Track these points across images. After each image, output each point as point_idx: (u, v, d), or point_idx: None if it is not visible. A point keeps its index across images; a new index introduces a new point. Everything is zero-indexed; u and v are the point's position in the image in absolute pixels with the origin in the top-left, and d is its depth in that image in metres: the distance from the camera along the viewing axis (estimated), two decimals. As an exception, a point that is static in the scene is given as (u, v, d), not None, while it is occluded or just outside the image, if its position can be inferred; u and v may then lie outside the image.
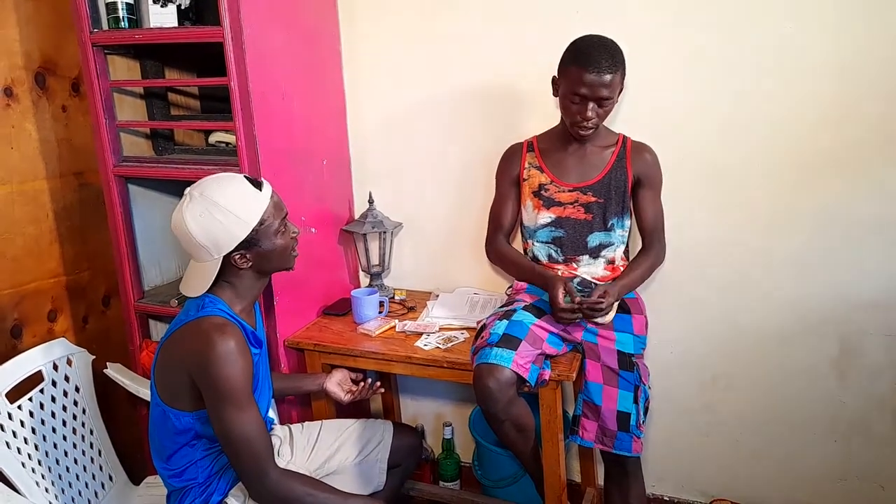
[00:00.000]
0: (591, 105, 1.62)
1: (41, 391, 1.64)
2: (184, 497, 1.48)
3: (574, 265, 1.80)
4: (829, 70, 1.73)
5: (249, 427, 1.34)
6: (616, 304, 1.78)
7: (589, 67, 1.58)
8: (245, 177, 1.42)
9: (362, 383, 1.80)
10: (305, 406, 1.99)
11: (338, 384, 1.80)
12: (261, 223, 1.39)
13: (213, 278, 1.40)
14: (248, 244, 1.39)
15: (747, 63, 1.79)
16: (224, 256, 1.39)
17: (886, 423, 1.90)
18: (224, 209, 1.35)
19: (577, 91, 1.61)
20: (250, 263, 1.42)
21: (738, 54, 1.79)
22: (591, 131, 1.68)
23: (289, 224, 1.49)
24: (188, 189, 1.40)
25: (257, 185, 1.41)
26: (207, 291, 1.43)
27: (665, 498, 2.21)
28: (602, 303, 1.62)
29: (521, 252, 1.91)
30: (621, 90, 1.67)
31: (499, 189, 1.91)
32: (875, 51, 1.69)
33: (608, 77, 1.58)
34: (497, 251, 1.91)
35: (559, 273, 1.78)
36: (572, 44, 1.65)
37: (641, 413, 1.69)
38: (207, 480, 1.49)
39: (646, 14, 1.84)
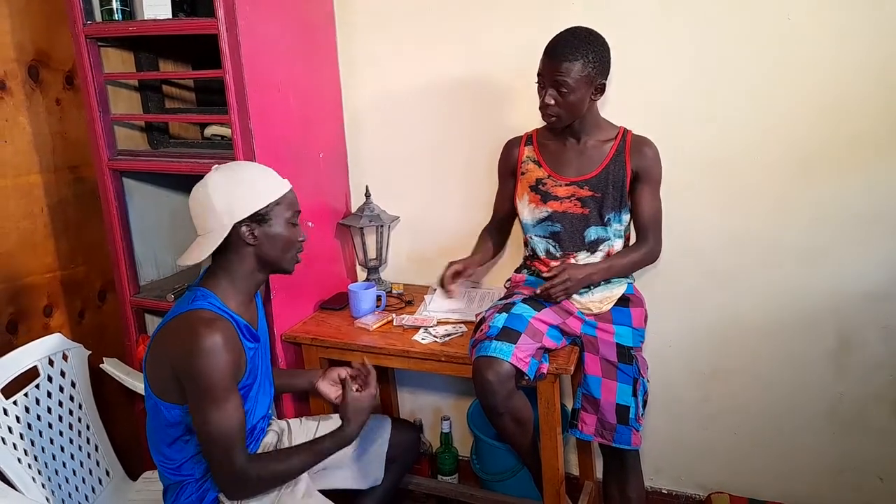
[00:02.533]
0: (549, 91, 1.64)
1: (37, 387, 1.63)
2: (180, 492, 1.48)
3: (572, 261, 1.79)
4: (829, 64, 1.72)
5: (225, 423, 1.33)
6: (614, 296, 1.78)
7: (547, 51, 1.64)
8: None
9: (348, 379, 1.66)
10: (303, 401, 1.98)
11: (330, 384, 1.70)
12: (277, 203, 1.43)
13: (215, 247, 1.39)
14: (260, 219, 1.41)
15: (746, 56, 1.78)
16: (231, 232, 1.39)
17: (884, 415, 1.90)
18: (247, 180, 1.41)
19: (539, 73, 1.66)
20: (256, 241, 1.42)
21: (737, 47, 1.78)
22: (553, 119, 1.68)
23: (299, 225, 1.51)
24: (215, 166, 1.46)
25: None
26: (201, 285, 1.43)
27: (663, 491, 2.21)
28: (555, 281, 1.65)
29: (502, 240, 1.97)
30: (596, 86, 1.65)
31: (499, 181, 1.93)
32: (876, 45, 1.68)
33: (561, 63, 1.59)
34: (480, 236, 1.97)
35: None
36: None
37: (640, 406, 1.68)
38: (204, 476, 1.48)
39: (644, 5, 1.83)
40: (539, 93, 1.67)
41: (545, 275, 1.70)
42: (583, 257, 1.78)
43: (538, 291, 1.69)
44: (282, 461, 1.44)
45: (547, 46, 1.64)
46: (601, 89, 1.67)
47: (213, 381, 1.31)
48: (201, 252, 1.40)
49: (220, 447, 1.34)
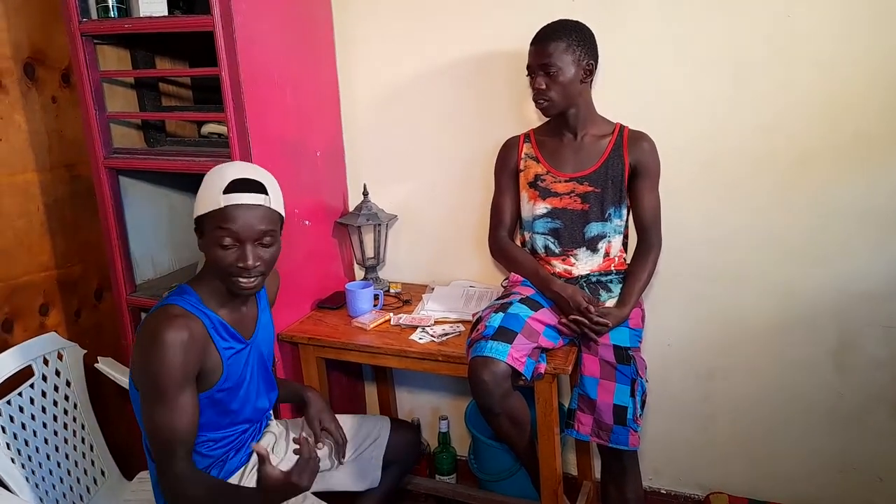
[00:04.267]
0: (539, 77, 1.68)
1: (31, 386, 1.62)
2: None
3: (572, 259, 1.78)
4: (829, 60, 1.71)
5: (169, 423, 1.28)
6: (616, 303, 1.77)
7: (532, 42, 1.70)
8: (255, 181, 1.33)
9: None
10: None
11: (313, 419, 1.66)
12: (210, 216, 1.31)
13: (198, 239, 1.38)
14: (197, 226, 1.37)
15: (745, 53, 1.76)
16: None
17: (884, 415, 1.89)
18: (207, 182, 1.35)
19: (528, 64, 1.71)
20: (201, 248, 1.38)
21: (735, 44, 1.77)
22: (546, 104, 1.70)
23: (236, 249, 1.32)
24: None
25: (253, 189, 1.32)
26: (189, 283, 1.42)
27: (662, 491, 2.20)
28: (603, 324, 1.66)
29: (521, 247, 1.90)
30: (584, 68, 1.67)
31: (498, 183, 1.89)
32: (875, 41, 1.66)
33: (546, 45, 1.65)
34: (500, 248, 1.89)
35: (555, 270, 1.78)
36: None
37: (638, 406, 1.67)
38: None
39: (643, 1, 1.81)
40: (531, 85, 1.70)
41: (595, 318, 1.65)
42: (582, 254, 1.78)
43: (569, 318, 1.67)
44: (215, 491, 1.31)
45: (532, 40, 1.69)
46: (590, 71, 1.69)
47: (161, 377, 1.27)
48: None
49: (161, 447, 1.30)
